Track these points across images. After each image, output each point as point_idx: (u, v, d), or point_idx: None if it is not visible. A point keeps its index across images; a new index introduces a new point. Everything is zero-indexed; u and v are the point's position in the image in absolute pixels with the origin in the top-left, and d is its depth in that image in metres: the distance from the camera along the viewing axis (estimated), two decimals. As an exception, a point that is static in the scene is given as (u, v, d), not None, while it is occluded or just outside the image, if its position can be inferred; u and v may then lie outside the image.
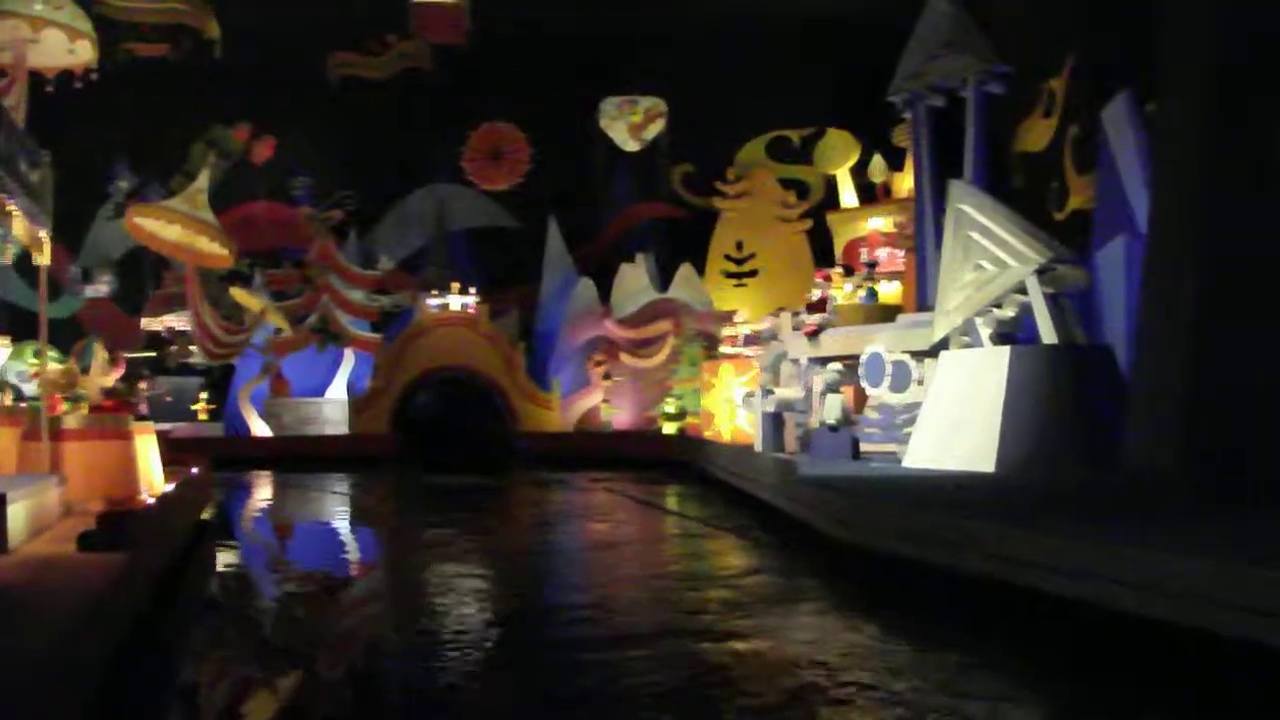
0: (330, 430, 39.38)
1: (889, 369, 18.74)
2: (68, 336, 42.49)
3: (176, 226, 29.29)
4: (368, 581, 13.00)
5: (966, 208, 17.82)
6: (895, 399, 18.60)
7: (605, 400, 38.46)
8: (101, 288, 44.72)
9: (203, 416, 39.76)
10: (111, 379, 13.89)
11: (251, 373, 40.14)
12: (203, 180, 29.53)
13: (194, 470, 17.90)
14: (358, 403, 39.32)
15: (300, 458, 35.45)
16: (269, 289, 41.48)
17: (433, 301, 39.88)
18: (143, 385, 38.35)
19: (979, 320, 17.15)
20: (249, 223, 44.28)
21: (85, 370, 14.47)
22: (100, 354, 13.88)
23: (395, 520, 21.49)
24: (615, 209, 44.84)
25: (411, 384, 39.46)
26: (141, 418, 36.11)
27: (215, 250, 30.14)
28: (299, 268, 41.31)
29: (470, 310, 39.89)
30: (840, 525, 12.22)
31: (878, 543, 11.13)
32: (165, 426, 37.88)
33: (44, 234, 10.38)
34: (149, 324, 41.20)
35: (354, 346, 40.91)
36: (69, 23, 17.90)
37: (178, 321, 40.16)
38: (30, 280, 46.16)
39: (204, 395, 40.17)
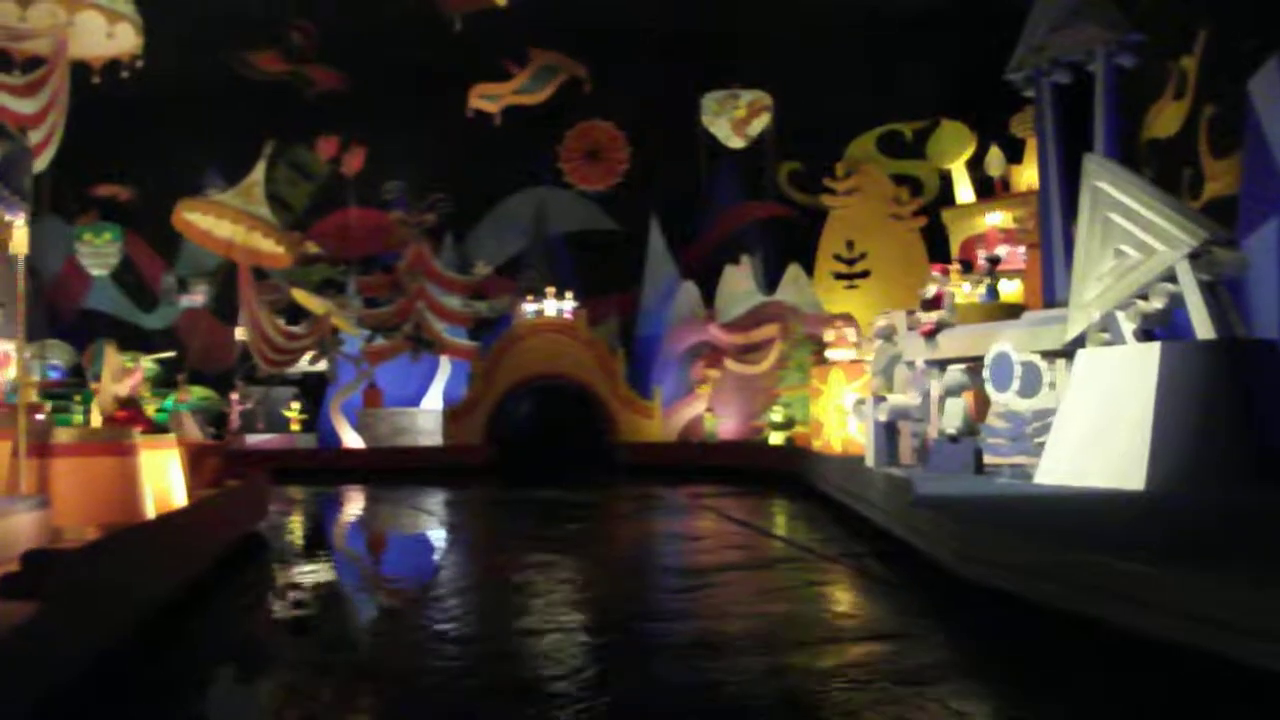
0: (425, 441, 38.48)
1: (1018, 371, 16.56)
2: (165, 347, 42.44)
3: (227, 222, 27.84)
4: (447, 611, 11.41)
5: (1104, 185, 15.71)
6: (1024, 405, 16.45)
7: (709, 409, 36.87)
8: (197, 297, 44.38)
9: (295, 427, 39.13)
10: (126, 387, 12.38)
11: (344, 382, 39.26)
12: (258, 173, 28.04)
13: (233, 484, 16.36)
14: (452, 412, 38.34)
15: (392, 470, 34.49)
16: (362, 296, 40.81)
17: (529, 307, 38.95)
18: (234, 396, 38.08)
19: (1121, 314, 15.02)
20: (341, 230, 43.77)
21: (96, 377, 13.02)
22: (112, 359, 12.39)
23: (485, 542, 19.84)
24: (719, 209, 43.36)
25: (507, 393, 38.36)
26: (216, 434, 35.25)
27: (271, 248, 28.71)
28: (392, 273, 40.14)
29: (568, 316, 38.91)
30: (969, 561, 10.21)
31: (1019, 587, 9.13)
32: (259, 438, 37.88)
33: (15, 220, 8.81)
34: (244, 333, 40.43)
35: (449, 354, 40.12)
36: (107, 4, 16.55)
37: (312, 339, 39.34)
38: (129, 291, 46.16)
39: (296, 405, 39.35)
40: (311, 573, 14.11)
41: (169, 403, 36.04)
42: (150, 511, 10.47)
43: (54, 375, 25.80)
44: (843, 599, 12.02)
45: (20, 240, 8.86)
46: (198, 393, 39.51)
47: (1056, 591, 8.50)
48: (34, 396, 13.97)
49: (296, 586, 12.99)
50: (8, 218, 8.57)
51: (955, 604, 10.56)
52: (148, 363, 39.83)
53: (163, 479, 11.75)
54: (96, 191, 43.40)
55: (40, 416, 11.96)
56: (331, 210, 44.33)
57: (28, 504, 8.57)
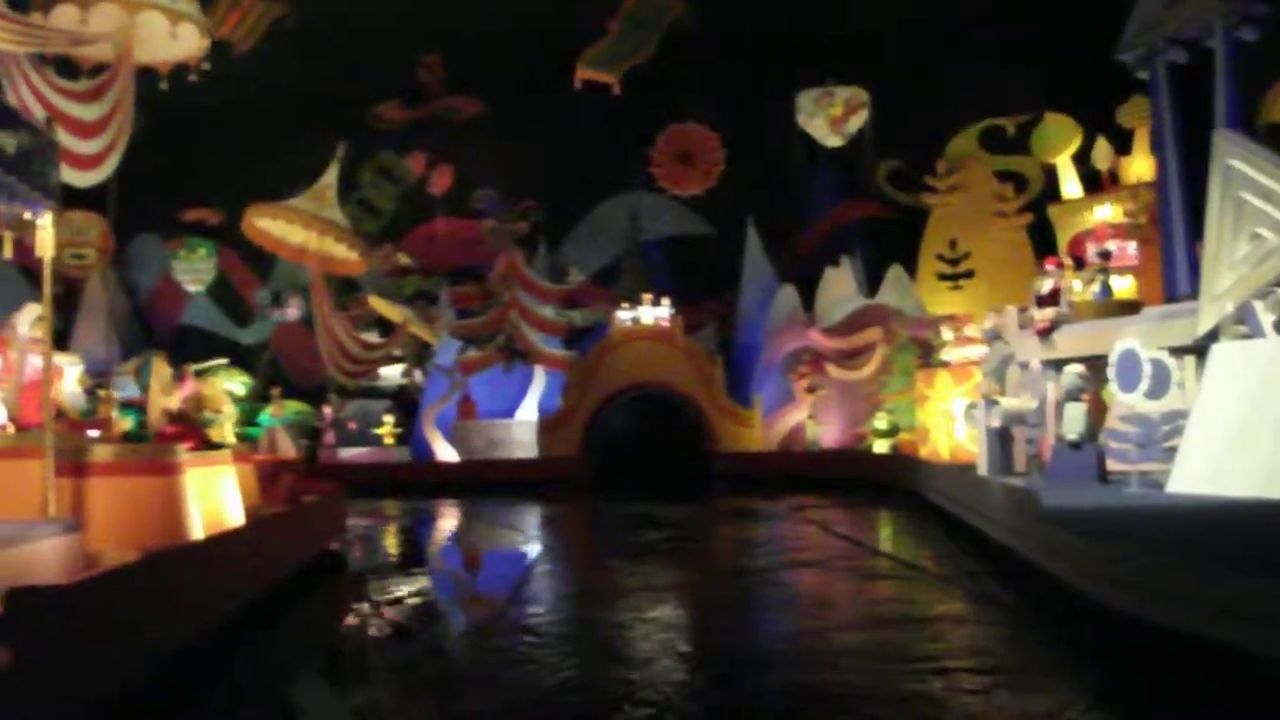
0: (520, 453, 37.73)
1: (1146, 370, 15.20)
2: (259, 361, 42.32)
3: (299, 227, 27.11)
4: (542, 636, 10.64)
5: (1238, 163, 14.44)
6: (1153, 407, 15.13)
7: (811, 416, 35.80)
8: (291, 311, 44.05)
9: (388, 441, 38.63)
10: (175, 400, 11.62)
11: (437, 394, 38.69)
12: (330, 175, 27.27)
13: (308, 500, 15.63)
14: (547, 424, 37.58)
15: (485, 483, 33.87)
16: (454, 307, 40.22)
17: (625, 315, 38.15)
18: (327, 410, 37.59)
19: (1259, 304, 13.74)
20: (431, 241, 43.35)
21: (144, 390, 12.28)
22: (162, 371, 11.63)
23: (576, 561, 18.99)
24: (818, 210, 42.25)
25: (603, 403, 37.53)
26: (308, 445, 34.72)
27: (345, 254, 27.97)
28: (484, 283, 39.54)
29: (665, 323, 38.00)
30: (1115, 587, 9.03)
31: (1182, 622, 7.91)
32: (352, 452, 37.44)
33: (41, 219, 7.99)
34: (364, 355, 40.12)
35: (543, 364, 39.33)
36: (169, 5, 15.86)
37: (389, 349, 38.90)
38: (225, 307, 46.07)
39: (389, 419, 38.87)
40: (388, 599, 13.30)
41: (263, 417, 36.06)
42: (197, 533, 9.64)
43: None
44: (962, 628, 10.90)
45: (45, 241, 8.05)
46: (291, 407, 39.32)
47: (1241, 631, 7.32)
48: (115, 412, 13.33)
49: (368, 617, 12.18)
50: (27, 216, 7.76)
51: (1098, 637, 9.42)
52: (240, 378, 39.96)
53: (215, 498, 10.91)
54: (186, 216, 43.25)
55: (93, 433, 11.24)
56: (421, 221, 44.02)
57: (56, 527, 7.77)
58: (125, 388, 25.94)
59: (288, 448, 30.85)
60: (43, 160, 7.86)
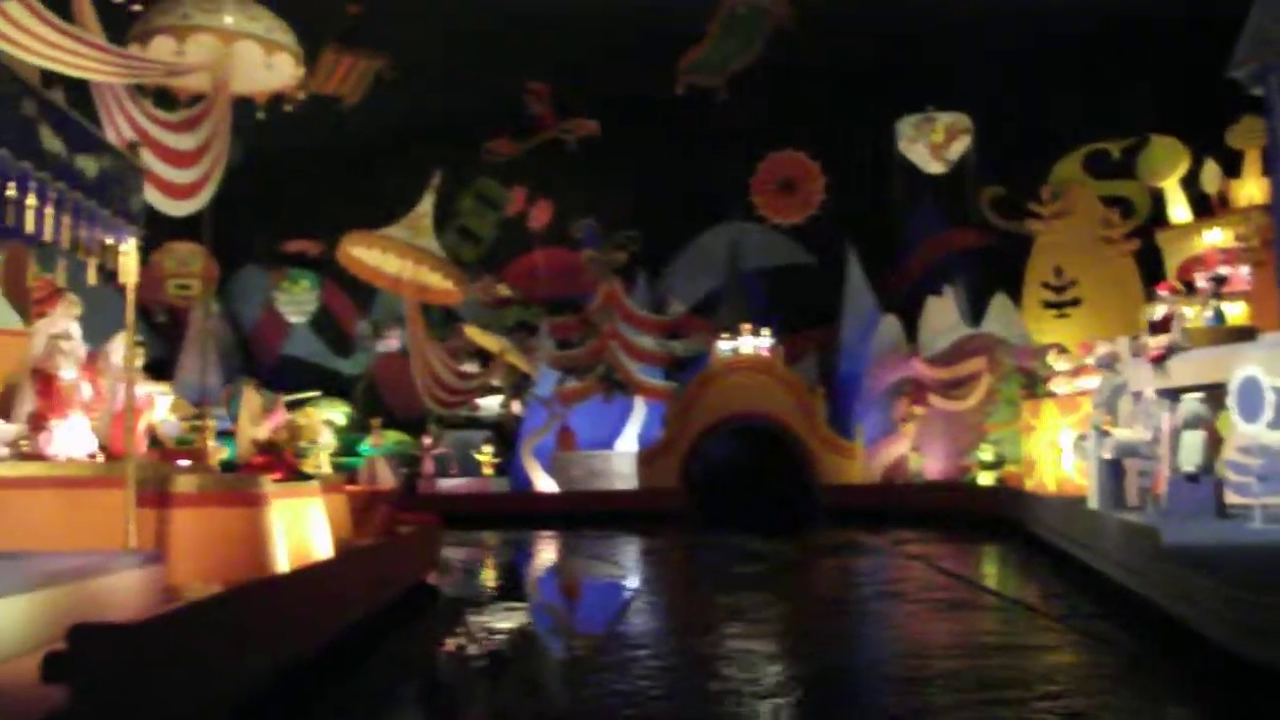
0: (619, 484, 37.56)
1: (1270, 399, 14.52)
2: (361, 392, 42.46)
3: (393, 256, 26.98)
4: (641, 669, 10.41)
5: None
6: (1276, 437, 14.45)
7: (914, 448, 35.22)
8: (392, 342, 44.18)
9: (487, 471, 38.56)
10: (264, 430, 11.43)
11: (536, 425, 38.66)
12: (426, 204, 27.08)
13: (404, 531, 15.44)
14: (646, 455, 37.41)
15: (584, 514, 33.54)
16: (554, 337, 40.34)
17: (725, 345, 37.88)
18: (426, 440, 37.60)
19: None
20: (530, 271, 43.31)
21: (234, 419, 12.12)
22: (252, 400, 11.45)
23: (673, 597, 18.65)
24: (920, 238, 41.58)
25: (703, 434, 37.26)
26: (410, 476, 34.69)
27: (440, 283, 27.80)
28: (583, 314, 39.41)
29: (765, 353, 37.74)
30: (1257, 637, 8.45)
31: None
32: (452, 482, 37.43)
33: (124, 244, 7.81)
34: (459, 385, 40.17)
35: (643, 395, 39.23)
36: (264, 35, 15.81)
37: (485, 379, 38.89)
38: (328, 338, 46.35)
39: (489, 449, 38.82)
40: (485, 631, 13.07)
41: (363, 447, 36.12)
42: (282, 566, 9.42)
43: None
44: (1073, 670, 10.37)
45: (127, 268, 7.88)
46: (391, 437, 39.37)
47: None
48: (212, 442, 13.23)
49: (465, 649, 11.95)
50: (109, 241, 7.58)
51: (1228, 689, 8.88)
52: (341, 408, 40.04)
53: (302, 530, 10.70)
54: (287, 248, 43.55)
55: (183, 463, 11.10)
56: (521, 252, 43.89)
57: (137, 559, 7.58)
58: (224, 417, 26.08)
59: (387, 477, 30.84)
60: (125, 185, 7.70)
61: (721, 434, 37.60)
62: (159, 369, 34.26)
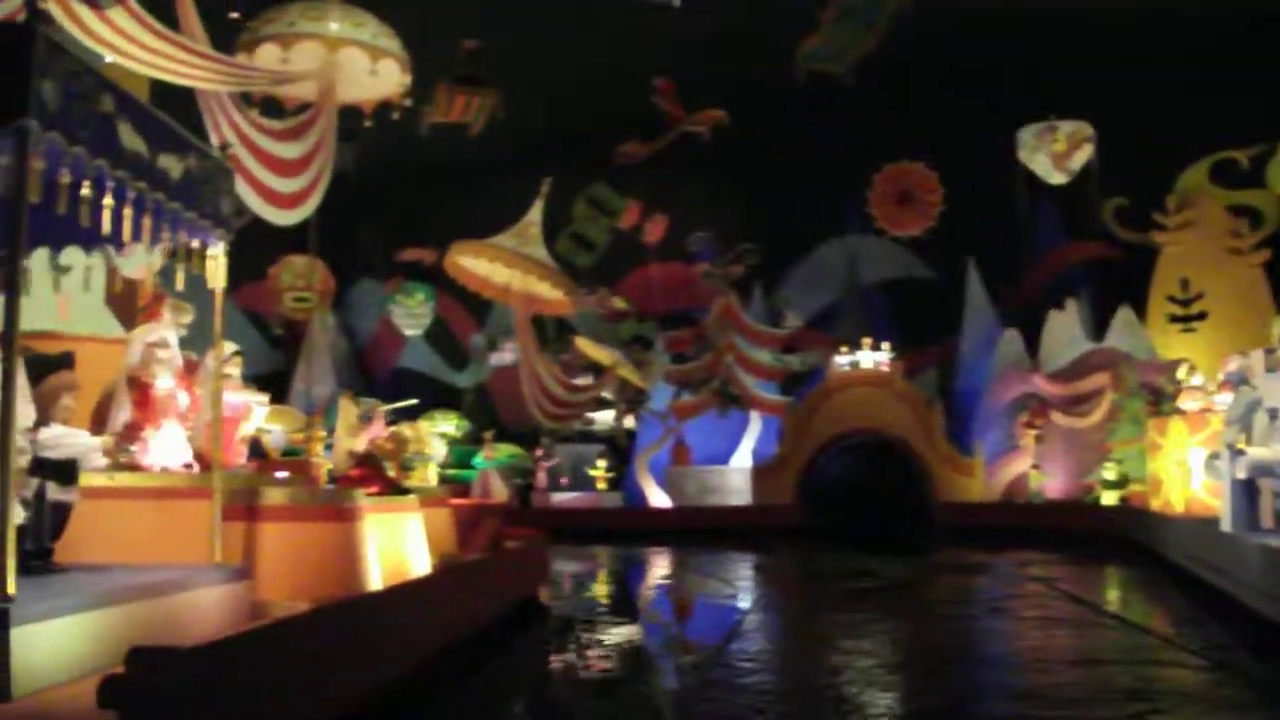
0: (734, 500, 37.12)
1: None
2: (476, 406, 42.52)
3: (500, 265, 26.72)
4: (754, 686, 10.11)
5: None
6: None
7: (1034, 466, 34.42)
8: (506, 355, 44.14)
9: (601, 486, 38.39)
10: (361, 441, 11.17)
11: (651, 439, 38.41)
12: (535, 212, 26.81)
13: (511, 546, 15.17)
14: (761, 471, 36.98)
15: (698, 530, 33.30)
16: (669, 351, 40.13)
17: (843, 360, 37.43)
18: (539, 453, 37.53)
19: None
20: (646, 284, 43.11)
21: (330, 430, 11.88)
22: (349, 410, 11.19)
23: (787, 618, 18.23)
24: (1041, 250, 40.89)
25: (819, 450, 36.79)
26: (524, 489, 34.59)
27: (549, 292, 27.51)
28: (699, 327, 39.16)
29: (884, 368, 37.19)
30: None
31: None
32: (565, 496, 37.30)
33: (211, 249, 7.57)
34: (568, 397, 40.13)
35: (758, 410, 38.82)
36: (369, 41, 15.70)
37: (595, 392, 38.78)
38: (443, 351, 46.47)
39: (602, 463, 38.64)
40: (595, 647, 12.80)
41: (477, 460, 36.11)
42: (374, 583, 9.14)
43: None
44: (1210, 711, 9.71)
45: (216, 273, 7.64)
46: (505, 450, 39.30)
47: None
48: (320, 453, 13.05)
49: (574, 665, 11.68)
50: (194, 243, 7.35)
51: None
52: (455, 421, 40.07)
53: (398, 546, 10.43)
54: (403, 256, 43.71)
55: (281, 474, 10.90)
56: (636, 264, 43.82)
57: (221, 574, 7.33)
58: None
59: (500, 491, 30.78)
60: (214, 186, 7.46)
61: (838, 450, 37.14)
62: (276, 381, 34.62)
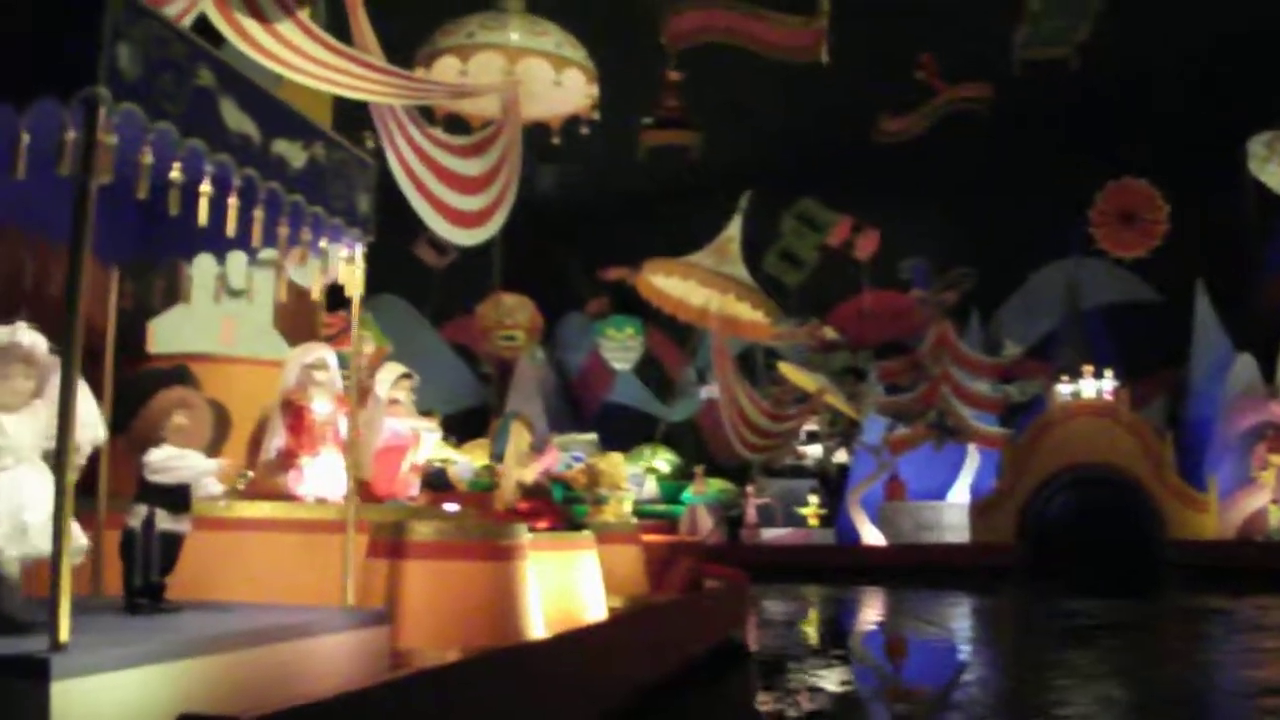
0: (950, 537, 36.15)
1: None
2: (686, 441, 42.02)
3: (696, 284, 25.72)
4: None
5: None
6: None
7: (1275, 500, 32.54)
8: (716, 389, 43.57)
9: (813, 522, 37.74)
10: (532, 472, 10.32)
11: (864, 473, 37.68)
12: (733, 228, 25.79)
13: (710, 586, 14.29)
14: (980, 507, 35.87)
15: (913, 569, 32.12)
16: (883, 383, 39.21)
17: (1065, 389, 36.41)
18: (749, 489, 36.78)
19: None
20: (859, 314, 42.34)
21: (499, 458, 11.06)
22: (521, 437, 10.36)
23: (1014, 657, 17.14)
24: (1275, 268, 39.14)
25: (1041, 484, 35.58)
26: (732, 524, 33.83)
27: (749, 313, 26.44)
28: (913, 357, 38.14)
29: (1108, 397, 35.98)
30: None
31: None
32: (775, 533, 36.43)
33: (345, 251, 6.78)
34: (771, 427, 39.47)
35: (976, 443, 37.72)
36: (553, 50, 15.03)
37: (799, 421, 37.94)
38: (653, 385, 46.03)
39: (814, 499, 37.79)
40: (801, 694, 11.92)
41: (686, 495, 35.47)
42: (537, 630, 8.21)
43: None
44: None
45: (353, 280, 6.85)
46: (715, 485, 38.51)
47: None
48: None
49: (776, 714, 10.81)
50: (323, 243, 6.54)
51: None
52: (665, 455, 39.46)
53: (570, 587, 9.47)
54: (606, 276, 43.36)
55: (451, 507, 10.13)
56: (847, 294, 42.93)
57: (355, 618, 6.50)
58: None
59: (708, 526, 30.07)
60: (348, 180, 6.65)
61: (1060, 484, 35.86)
62: (482, 415, 34.64)
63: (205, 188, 5.29)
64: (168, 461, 6.24)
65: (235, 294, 9.82)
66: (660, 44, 30.66)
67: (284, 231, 6.01)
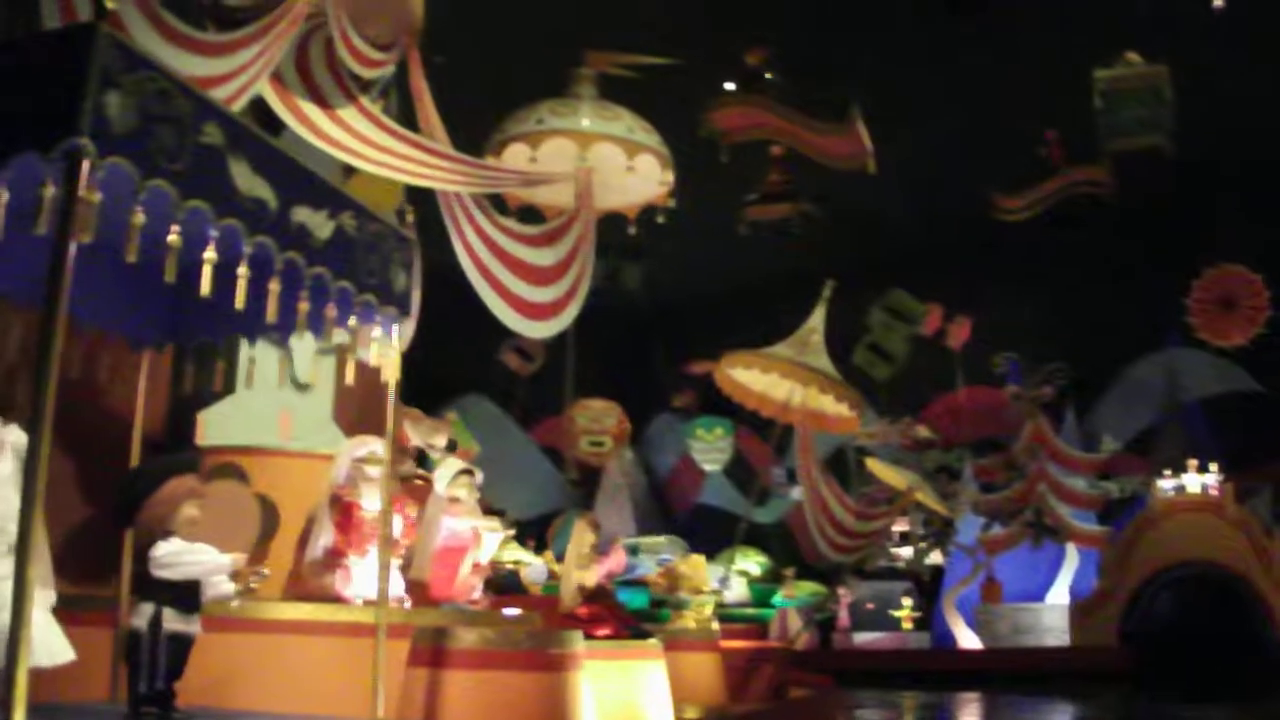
0: (1049, 640, 34.78)
1: None
2: (776, 542, 41.32)
3: (777, 375, 24.86)
4: None
5: None
6: None
7: (1396, 600, 31.07)
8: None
9: (907, 625, 36.68)
10: (594, 574, 9.68)
11: (959, 575, 36.66)
12: (816, 318, 24.96)
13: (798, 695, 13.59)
14: (1079, 608, 34.47)
15: (1011, 673, 31.03)
16: (977, 480, 38.25)
17: (1167, 485, 34.90)
18: (842, 591, 35.99)
19: None
20: (953, 411, 41.58)
21: (559, 558, 10.48)
22: (583, 537, 9.76)
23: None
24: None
25: (1144, 584, 34.11)
26: (822, 627, 32.99)
27: (834, 406, 25.52)
28: (1008, 454, 37.25)
29: (1213, 492, 34.42)
30: None
31: None
32: (868, 637, 35.54)
33: (378, 332, 6.26)
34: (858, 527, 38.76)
35: (1075, 542, 36.49)
36: (624, 135, 14.64)
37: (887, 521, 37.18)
38: (741, 485, 45.34)
39: (908, 602, 36.88)
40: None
41: (776, 598, 34.74)
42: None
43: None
44: None
45: (389, 363, 6.33)
46: (805, 588, 37.67)
47: None
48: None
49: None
50: (353, 322, 6.04)
51: None
52: (755, 557, 38.73)
53: (632, 700, 8.77)
54: (691, 369, 42.95)
55: (511, 611, 9.58)
56: (940, 391, 42.34)
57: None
58: (637, 567, 25.00)
59: (796, 629, 29.33)
60: (381, 255, 6.15)
61: (1164, 583, 34.30)
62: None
63: (209, 254, 4.81)
64: (176, 556, 5.76)
65: (299, 387, 9.41)
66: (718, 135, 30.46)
67: (304, 308, 5.50)
